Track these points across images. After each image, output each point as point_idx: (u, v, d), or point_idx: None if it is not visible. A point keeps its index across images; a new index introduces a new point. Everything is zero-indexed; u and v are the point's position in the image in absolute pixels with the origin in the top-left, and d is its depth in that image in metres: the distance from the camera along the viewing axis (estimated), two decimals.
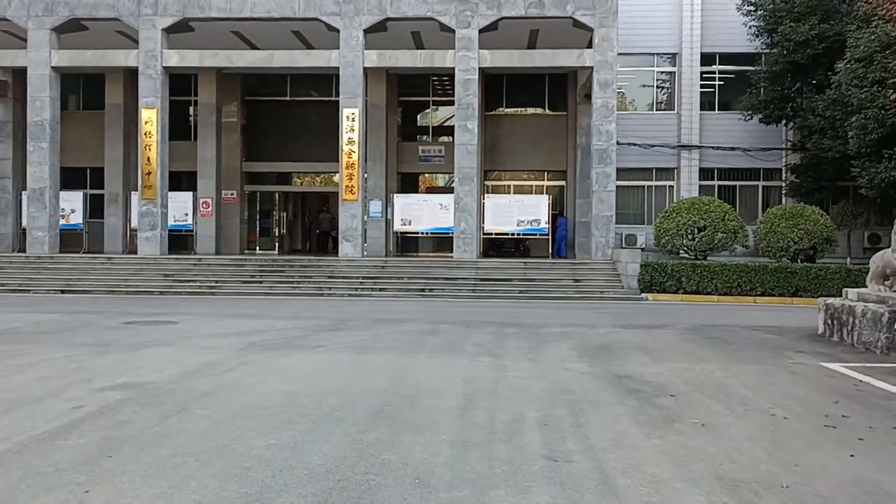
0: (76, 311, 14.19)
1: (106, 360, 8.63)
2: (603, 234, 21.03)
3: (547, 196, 24.44)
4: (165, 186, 22.02)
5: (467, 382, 7.50)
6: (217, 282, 19.58)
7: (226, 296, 18.68)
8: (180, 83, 27.18)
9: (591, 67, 21.23)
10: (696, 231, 19.07)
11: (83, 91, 28.42)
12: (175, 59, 21.78)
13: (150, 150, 21.63)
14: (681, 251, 19.59)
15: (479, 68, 21.35)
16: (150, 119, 21.57)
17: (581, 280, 19.51)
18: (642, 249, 24.79)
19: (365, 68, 21.70)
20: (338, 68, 21.59)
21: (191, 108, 27.85)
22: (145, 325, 12.16)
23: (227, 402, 6.53)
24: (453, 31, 21.24)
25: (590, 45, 21.65)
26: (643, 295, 18.50)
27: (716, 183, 27.33)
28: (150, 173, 21.64)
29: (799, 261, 19.04)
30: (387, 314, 14.33)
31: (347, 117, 21.38)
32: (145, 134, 21.68)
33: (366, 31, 21.45)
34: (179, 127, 27.72)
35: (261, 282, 19.64)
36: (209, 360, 8.62)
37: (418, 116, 28.96)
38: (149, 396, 6.69)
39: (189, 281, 19.66)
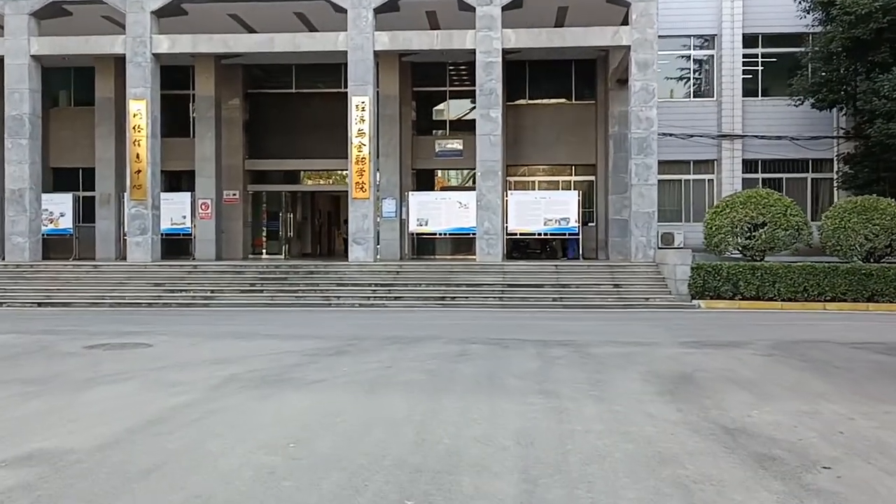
0: (40, 331, 12.08)
1: (31, 408, 6.49)
2: (644, 232, 18.76)
3: (577, 192, 22.17)
4: (157, 186, 19.94)
5: (521, 444, 5.30)
6: (213, 291, 17.46)
7: (222, 307, 16.56)
8: (179, 76, 25.22)
9: (628, 47, 18.98)
10: (753, 228, 16.75)
11: (74, 85, 26.44)
12: (166, 44, 19.70)
13: (138, 145, 19.55)
14: (733, 251, 17.27)
15: (503, 50, 19.12)
16: (139, 111, 19.50)
17: (622, 285, 17.25)
18: (680, 248, 22.53)
19: (376, 52, 19.54)
20: (346, 53, 19.44)
21: (190, 104, 25.76)
22: (112, 349, 10.03)
23: (170, 491, 4.36)
24: (473, 10, 19.05)
25: (625, 23, 19.39)
26: (694, 302, 16.23)
27: (760, 175, 24.97)
28: (139, 171, 19.57)
29: (872, 260, 16.70)
30: (403, 329, 12.15)
31: (357, 106, 19.22)
32: (134, 128, 19.60)
33: (376, 11, 19.30)
34: (178, 123, 25.77)
35: (261, 291, 17.51)
36: (169, 407, 6.46)
37: (434, 109, 26.75)
38: (53, 482, 4.52)
39: (182, 291, 17.56)
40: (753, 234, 16.72)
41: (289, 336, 11.30)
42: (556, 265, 18.62)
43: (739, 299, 16.12)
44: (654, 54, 18.78)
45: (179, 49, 19.82)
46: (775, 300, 16.00)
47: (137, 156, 19.56)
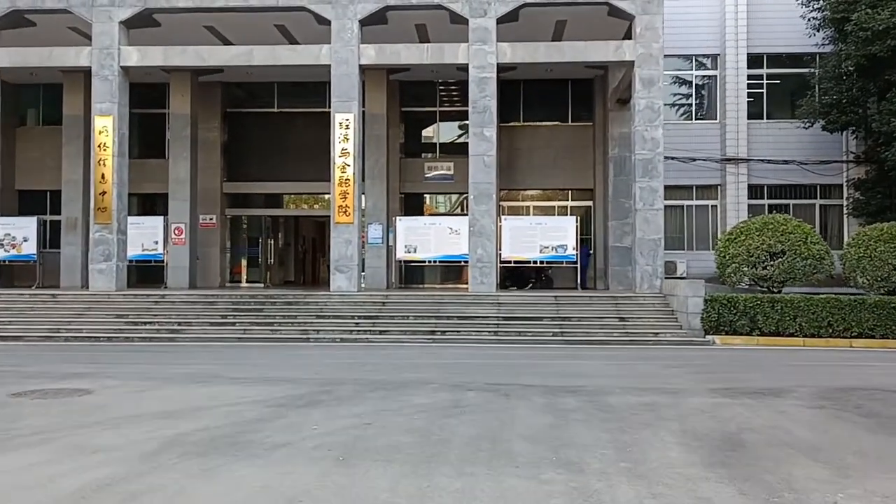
0: None
1: None
2: (650, 261, 17.40)
3: (574, 218, 20.83)
4: (124, 209, 18.44)
5: None
6: (180, 324, 15.91)
7: (189, 342, 15.01)
8: (155, 94, 23.84)
9: (631, 63, 17.75)
10: (770, 257, 15.39)
11: (42, 103, 24.95)
12: (135, 56, 18.31)
13: (104, 165, 18.08)
14: (745, 282, 15.90)
15: (497, 66, 17.84)
16: (105, 128, 18.05)
17: (627, 318, 15.83)
18: (683, 278, 21.20)
19: (361, 67, 18.23)
20: (329, 68, 18.11)
21: (166, 123, 24.29)
22: (42, 397, 8.49)
23: None
24: (466, 22, 17.81)
25: (628, 37, 18.18)
26: (708, 337, 14.82)
27: (766, 201, 23.70)
28: (104, 193, 18.07)
29: None
30: (388, 370, 10.67)
31: (341, 124, 17.86)
32: (99, 146, 18.14)
33: (362, 23, 18.01)
34: (153, 144, 24.37)
35: (233, 324, 15.97)
36: (76, 489, 4.96)
37: (423, 131, 25.43)
38: None
39: (146, 323, 16.00)
40: (770, 263, 15.36)
41: (255, 380, 9.78)
42: (555, 296, 17.19)
43: (757, 335, 14.73)
44: (660, 70, 17.56)
45: (150, 62, 18.42)
46: (796, 336, 14.62)
47: (102, 176, 18.08)
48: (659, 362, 12.02)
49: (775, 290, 15.60)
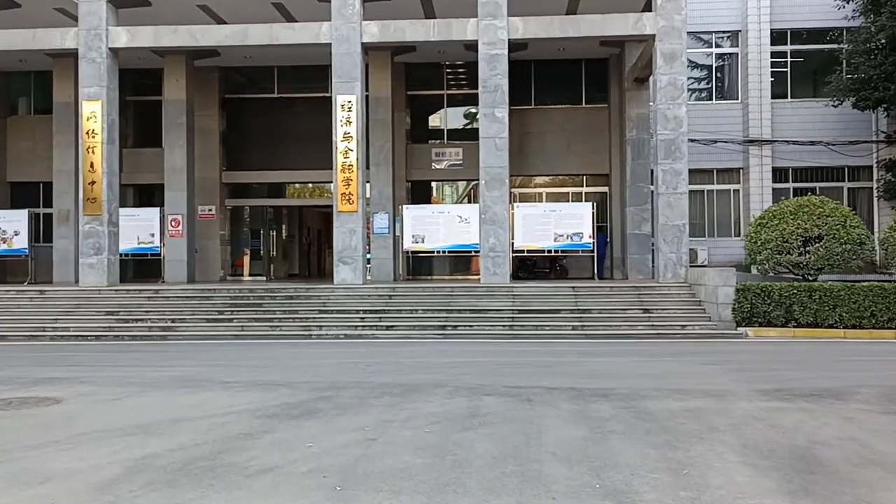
0: None
1: None
2: (673, 248, 16.30)
3: (591, 204, 19.73)
4: (115, 199, 17.47)
5: None
6: (174, 321, 14.93)
7: (182, 339, 14.05)
8: (151, 81, 22.80)
9: (651, 37, 16.64)
10: (805, 242, 14.28)
11: (34, 91, 23.98)
12: (124, 38, 17.28)
13: (93, 153, 17.08)
14: (778, 270, 14.79)
15: (508, 41, 16.74)
16: (94, 114, 17.05)
17: (652, 310, 14.77)
18: (704, 266, 20.11)
19: (364, 45, 17.16)
20: (330, 47, 17.04)
21: (162, 111, 23.23)
22: (5, 408, 7.50)
23: None
24: None
25: (647, 9, 17.06)
26: (740, 330, 13.75)
27: (791, 185, 22.61)
28: (93, 183, 17.09)
29: None
30: (396, 371, 9.65)
31: (343, 106, 16.81)
32: (87, 133, 17.14)
33: None
34: (150, 132, 23.29)
35: (231, 320, 14.99)
36: None
37: (430, 116, 24.32)
38: None
39: (137, 320, 15.04)
40: (806, 249, 14.25)
41: (249, 384, 8.77)
42: (573, 287, 16.13)
43: (793, 326, 13.66)
44: (683, 44, 16.43)
45: (140, 43, 17.39)
46: (836, 327, 13.53)
47: (92, 165, 17.09)
48: (692, 358, 10.97)
49: (810, 278, 14.50)
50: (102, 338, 14.21)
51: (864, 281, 14.10)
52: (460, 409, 7.09)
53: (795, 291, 13.60)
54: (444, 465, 5.22)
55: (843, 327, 13.50)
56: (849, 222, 14.20)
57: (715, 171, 22.88)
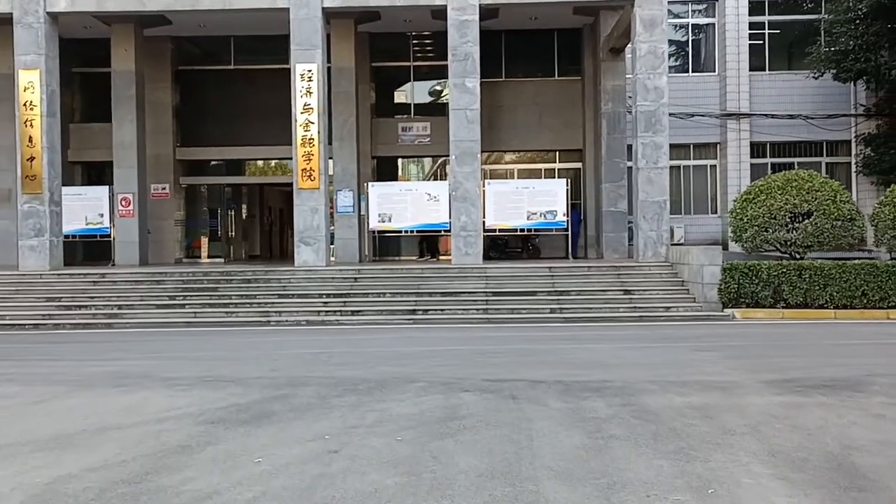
0: None
1: None
2: (654, 226, 15.55)
3: (565, 181, 18.87)
4: (57, 177, 16.21)
5: None
6: (120, 307, 13.81)
7: (128, 328, 12.95)
8: (99, 52, 21.28)
9: (631, 2, 15.74)
10: (793, 218, 13.56)
11: None
12: (64, 1, 15.94)
13: (31, 126, 15.79)
14: (766, 247, 14.07)
15: (480, 6, 15.74)
16: (31, 84, 15.75)
17: (633, 291, 13.99)
18: (681, 245, 19.44)
19: (325, 10, 16.06)
20: (288, 12, 15.88)
21: (112, 84, 21.79)
22: None
23: None
24: None
25: None
26: (727, 311, 13.03)
27: (769, 160, 22.00)
28: (32, 159, 15.80)
29: None
30: (362, 363, 8.69)
31: (302, 76, 15.72)
32: (25, 105, 15.83)
33: None
34: (100, 106, 21.78)
35: (183, 306, 13.89)
36: None
37: (396, 89, 23.22)
38: None
39: (81, 307, 13.87)
40: (795, 225, 13.53)
41: (194, 380, 7.76)
42: (549, 267, 15.28)
43: (782, 307, 12.97)
44: (664, 10, 15.60)
45: (81, 7, 16.07)
46: (827, 308, 12.87)
47: (30, 139, 15.80)
48: (682, 344, 10.19)
49: (798, 256, 13.81)
50: (41, 326, 13.05)
51: (851, 259, 13.44)
52: (436, 410, 6.18)
53: (784, 270, 12.90)
54: (421, 486, 4.31)
55: (834, 307, 12.85)
56: (839, 197, 13.49)
57: (691, 147, 22.17)
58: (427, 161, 23.59)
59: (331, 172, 18.89)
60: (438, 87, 22.75)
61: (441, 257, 20.67)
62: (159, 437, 5.49)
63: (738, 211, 14.12)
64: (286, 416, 6.10)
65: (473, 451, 5.00)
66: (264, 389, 7.15)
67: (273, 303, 13.85)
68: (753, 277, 12.95)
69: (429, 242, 20.87)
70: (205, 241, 23.75)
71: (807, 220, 13.38)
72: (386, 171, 22.54)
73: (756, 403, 6.35)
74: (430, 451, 4.99)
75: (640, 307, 13.30)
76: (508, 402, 6.45)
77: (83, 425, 5.87)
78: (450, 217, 16.87)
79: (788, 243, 13.53)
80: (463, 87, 15.73)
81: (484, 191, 17.58)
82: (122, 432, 5.65)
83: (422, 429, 5.59)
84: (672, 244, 19.64)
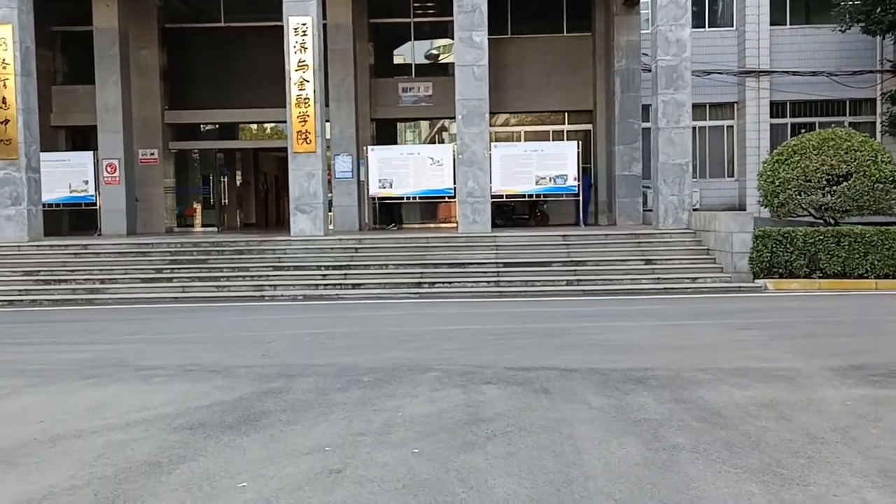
0: None
1: None
2: (675, 190, 14.49)
3: (576, 143, 17.79)
4: (34, 141, 15.09)
5: None
6: (103, 282, 12.81)
7: (111, 304, 11.96)
8: (81, 9, 20.01)
9: None
10: (829, 181, 12.51)
11: None
12: None
13: (4, 86, 14.62)
14: (799, 212, 13.04)
15: None
16: (4, 40, 14.55)
17: (655, 261, 13.00)
18: (696, 210, 18.41)
19: None
20: None
21: (94, 43, 20.54)
22: None
23: None
24: None
25: None
26: (758, 282, 12.05)
27: (789, 120, 20.88)
28: (6, 122, 14.65)
29: None
30: (367, 346, 7.71)
31: (296, 30, 14.54)
32: None
33: None
34: (82, 67, 20.57)
35: (170, 279, 12.89)
36: None
37: (396, 47, 21.98)
38: None
39: (61, 281, 12.87)
40: (832, 188, 12.49)
41: (175, 370, 6.77)
42: (563, 235, 14.26)
43: (819, 277, 11.98)
44: None
45: None
46: (867, 277, 11.91)
47: (4, 100, 14.65)
48: (719, 321, 9.21)
49: (832, 222, 12.80)
50: (16, 303, 12.07)
51: (892, 224, 12.43)
52: (457, 409, 5.20)
53: (822, 238, 11.90)
54: None
55: (875, 277, 11.88)
56: (880, 157, 12.43)
57: (707, 106, 21.02)
58: (425, 127, 22.46)
59: (328, 136, 17.80)
60: (441, 45, 21.57)
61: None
62: (124, 449, 4.52)
63: (768, 173, 13.05)
64: (279, 418, 5.12)
65: (509, 469, 4.03)
66: (254, 382, 6.17)
67: (268, 276, 12.86)
68: (788, 245, 11.95)
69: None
70: (198, 208, 22.69)
71: (845, 183, 12.32)
72: (386, 134, 21.46)
73: (832, 398, 5.38)
74: (456, 471, 4.02)
75: (663, 278, 12.32)
76: (540, 398, 5.48)
77: (34, 432, 4.90)
78: (454, 182, 15.84)
79: (825, 208, 12.50)
80: (470, 42, 14.58)
81: (490, 154, 16.51)
82: (80, 442, 4.68)
83: (442, 436, 4.62)
84: (694, 210, 18.69)
